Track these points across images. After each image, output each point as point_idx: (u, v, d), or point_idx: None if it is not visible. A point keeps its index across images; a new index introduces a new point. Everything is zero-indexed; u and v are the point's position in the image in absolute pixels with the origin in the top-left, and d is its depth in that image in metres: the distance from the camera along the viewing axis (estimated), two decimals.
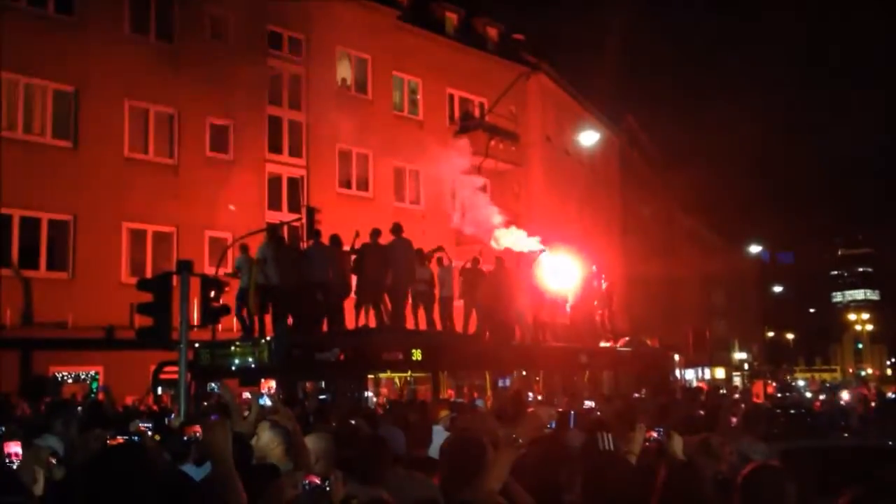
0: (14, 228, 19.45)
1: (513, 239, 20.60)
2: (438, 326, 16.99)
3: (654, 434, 3.75)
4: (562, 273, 20.26)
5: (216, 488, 3.07)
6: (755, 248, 60.20)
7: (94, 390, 18.53)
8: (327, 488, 3.69)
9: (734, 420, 8.41)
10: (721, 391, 23.77)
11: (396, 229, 16.21)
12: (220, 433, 3.10)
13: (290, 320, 15.06)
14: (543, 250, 20.20)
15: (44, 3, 20.45)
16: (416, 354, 14.45)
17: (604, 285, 21.70)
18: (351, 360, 13.62)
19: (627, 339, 22.95)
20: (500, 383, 17.74)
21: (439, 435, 6.46)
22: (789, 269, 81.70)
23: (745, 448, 6.40)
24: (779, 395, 21.56)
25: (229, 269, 18.68)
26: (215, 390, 13.67)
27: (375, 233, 15.95)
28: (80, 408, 12.68)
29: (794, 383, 37.63)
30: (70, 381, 19.51)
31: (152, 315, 10.67)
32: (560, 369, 18.73)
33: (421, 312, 16.84)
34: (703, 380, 42.23)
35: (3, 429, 7.97)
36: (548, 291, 19.39)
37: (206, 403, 11.28)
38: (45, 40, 20.04)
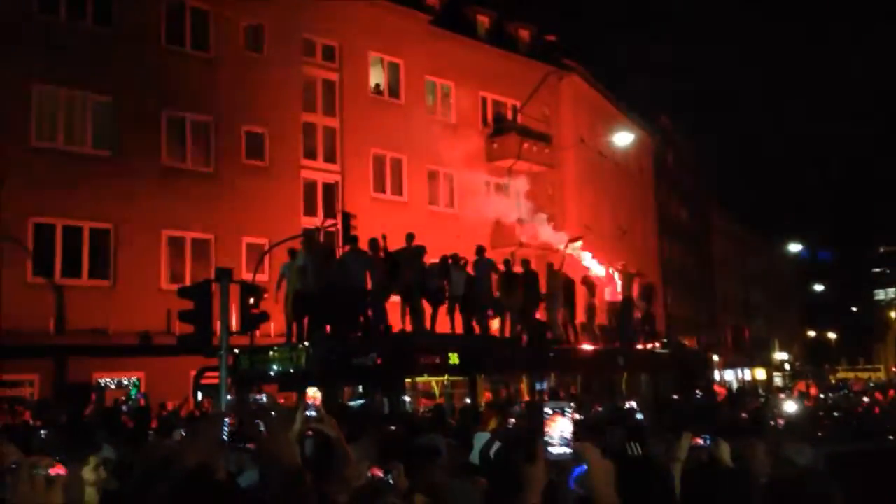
0: (57, 238, 19.79)
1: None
2: (476, 330, 16.99)
3: (701, 441, 3.71)
4: (594, 269, 20.22)
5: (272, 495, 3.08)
6: (794, 247, 59.33)
7: (134, 397, 18.81)
8: (390, 481, 3.79)
9: (780, 422, 8.30)
10: (760, 392, 23.50)
11: (480, 251, 17.22)
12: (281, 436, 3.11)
13: (327, 326, 15.15)
14: (575, 240, 20.20)
15: (83, 16, 20.79)
16: (453, 358, 14.44)
17: (640, 286, 21.54)
18: (388, 365, 13.66)
19: (664, 340, 22.77)
20: (538, 386, 17.69)
21: (480, 440, 6.45)
22: (830, 267, 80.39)
23: (790, 452, 6.30)
24: (821, 395, 21.17)
25: (265, 275, 18.91)
26: (259, 399, 13.82)
27: (410, 237, 15.98)
28: (124, 413, 12.92)
29: (838, 384, 36.97)
30: (112, 387, 19.81)
31: (193, 322, 10.80)
32: (597, 371, 18.64)
33: (457, 316, 16.82)
34: (721, 383, 41.46)
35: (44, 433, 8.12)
36: (586, 288, 19.34)
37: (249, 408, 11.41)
38: (84, 52, 20.38)
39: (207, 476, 2.91)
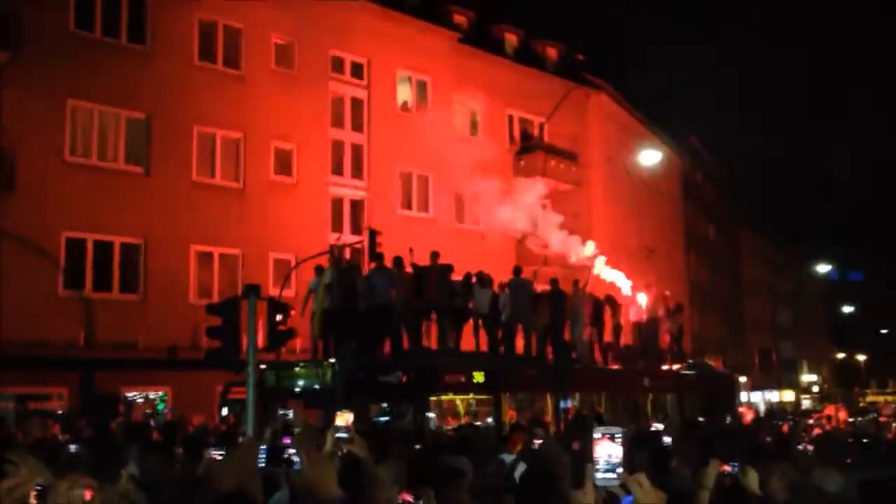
0: (88, 251, 20.06)
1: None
2: (501, 349, 16.96)
3: (728, 468, 3.66)
4: (620, 288, 20.13)
5: None
6: (823, 267, 58.67)
7: (160, 411, 18.96)
8: None
9: (808, 448, 8.20)
10: (787, 415, 23.21)
11: (517, 271, 17.24)
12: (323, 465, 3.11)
13: (353, 343, 15.18)
14: (597, 256, 20.14)
15: (117, 34, 21.15)
16: (478, 377, 14.42)
17: (669, 307, 21.40)
18: (413, 383, 13.66)
19: (690, 360, 22.54)
20: (562, 405, 17.59)
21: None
22: (859, 288, 79.24)
23: (819, 479, 6.23)
24: (850, 419, 20.88)
25: (292, 290, 19.01)
26: (286, 416, 13.89)
27: (434, 255, 16.02)
28: (153, 427, 13.03)
29: (867, 407, 36.42)
30: (140, 400, 19.99)
31: (221, 338, 10.89)
32: (623, 391, 18.50)
33: (482, 334, 16.82)
34: (749, 405, 40.99)
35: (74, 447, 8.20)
36: (611, 308, 19.25)
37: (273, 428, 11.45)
38: (118, 69, 20.73)
39: (244, 501, 2.93)
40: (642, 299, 20.52)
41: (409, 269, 15.82)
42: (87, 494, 2.40)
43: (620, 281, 20.84)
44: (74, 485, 2.30)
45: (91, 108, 20.52)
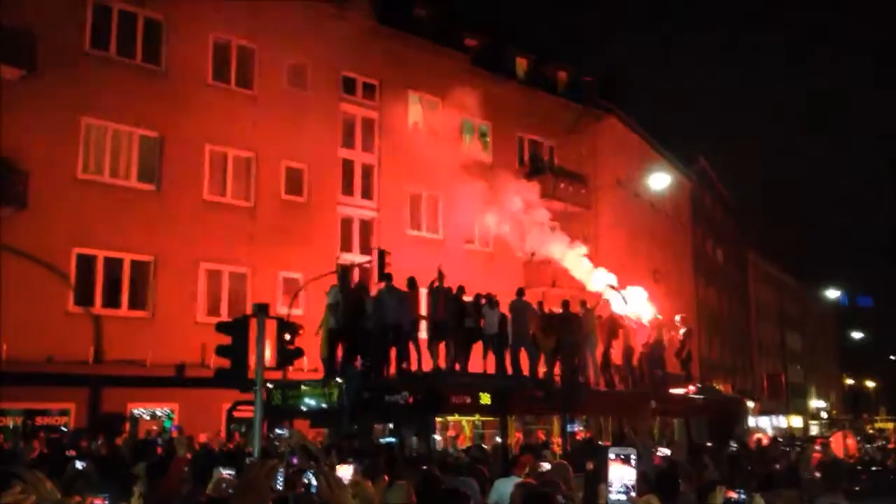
0: (98, 268, 20.17)
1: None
2: (509, 370, 16.95)
3: (735, 495, 3.66)
4: (631, 311, 20.11)
5: None
6: (833, 293, 58.44)
7: (167, 428, 18.96)
8: None
9: (816, 475, 8.17)
10: (796, 443, 23.00)
11: (520, 292, 17.38)
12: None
13: (358, 362, 15.20)
14: (609, 287, 20.15)
15: (132, 54, 21.37)
16: (485, 398, 14.41)
17: (681, 332, 21.36)
18: (420, 403, 13.66)
19: (699, 385, 22.47)
20: (569, 428, 17.55)
21: (504, 486, 6.44)
22: (869, 314, 78.82)
23: None
24: (859, 446, 20.71)
25: (300, 309, 19.03)
26: (282, 434, 13.88)
27: (440, 276, 16.06)
28: (159, 445, 13.05)
29: (876, 434, 36.15)
30: (146, 417, 20.01)
31: (230, 356, 10.91)
32: (630, 415, 18.43)
33: (490, 356, 16.82)
34: (760, 431, 40.78)
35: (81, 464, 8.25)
36: (619, 331, 19.23)
37: (278, 445, 11.47)
38: (132, 88, 20.93)
39: None
40: (651, 323, 20.49)
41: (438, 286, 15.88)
42: None
43: (629, 304, 20.83)
44: (85, 502, 2.32)
45: (104, 126, 20.70)
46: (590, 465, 6.57)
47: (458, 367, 15.86)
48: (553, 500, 3.82)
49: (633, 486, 2.67)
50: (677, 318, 21.67)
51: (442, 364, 15.88)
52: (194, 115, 21.76)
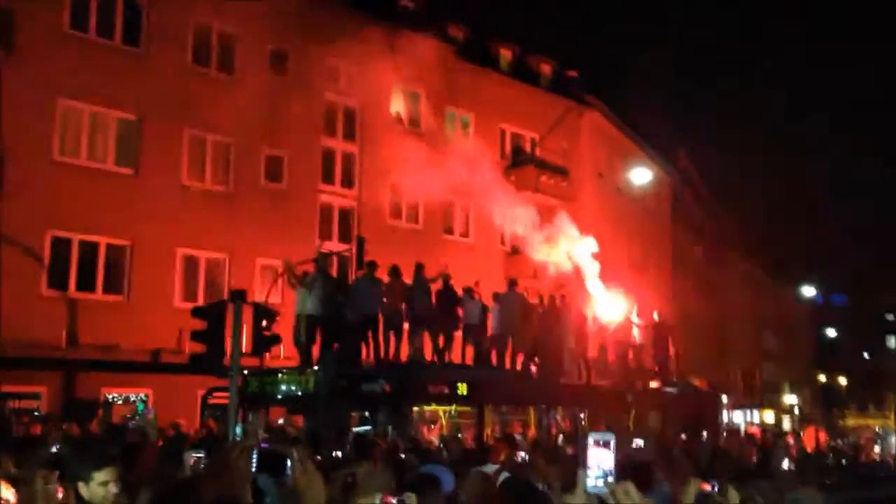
0: (73, 252, 19.95)
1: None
2: (494, 362, 17.00)
3: (708, 487, 3.65)
4: (609, 306, 20.23)
5: None
6: (808, 290, 58.99)
7: (141, 412, 18.83)
8: None
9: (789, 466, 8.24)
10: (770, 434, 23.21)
11: (511, 284, 17.67)
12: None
13: (336, 351, 15.16)
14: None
15: (111, 35, 21.11)
16: (462, 388, 14.44)
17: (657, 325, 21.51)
18: (397, 392, 13.66)
19: (675, 379, 22.63)
20: (545, 420, 17.63)
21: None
22: (843, 312, 79.58)
23: (797, 498, 6.26)
24: (832, 443, 20.99)
25: (278, 297, 18.94)
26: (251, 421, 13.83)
27: (419, 267, 16.05)
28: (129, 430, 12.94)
29: (847, 430, 36.65)
30: (120, 402, 19.84)
31: (205, 342, 10.85)
32: (606, 408, 18.54)
33: (469, 347, 16.84)
34: (753, 424, 41.30)
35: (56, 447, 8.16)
36: (596, 326, 19.34)
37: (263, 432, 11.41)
38: (111, 70, 20.69)
39: None
40: (629, 317, 20.61)
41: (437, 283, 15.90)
42: (60, 491, 2.38)
43: (609, 299, 20.94)
44: (49, 479, 2.28)
45: (82, 108, 20.45)
46: (570, 450, 6.59)
47: (435, 357, 15.87)
48: (533, 487, 3.79)
49: (610, 472, 2.68)
50: (655, 313, 21.80)
51: (428, 355, 15.89)
52: (174, 98, 21.52)
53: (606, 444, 2.73)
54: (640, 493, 2.58)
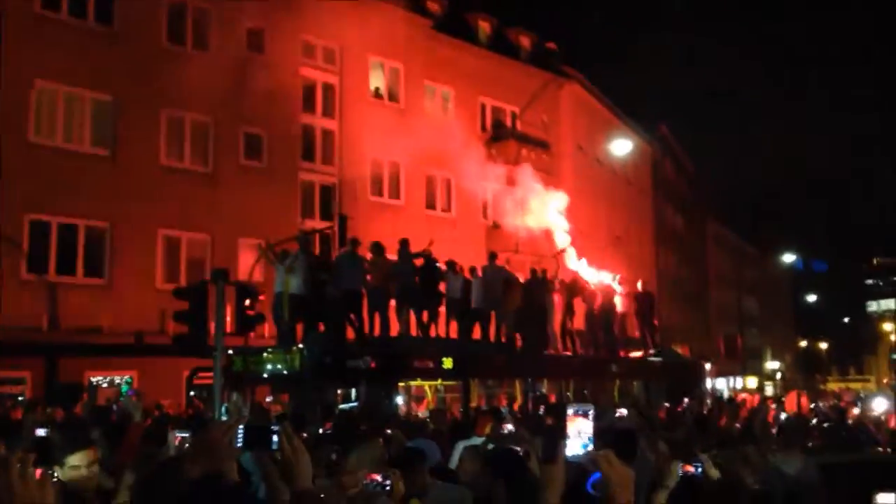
0: (52, 235, 19.77)
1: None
2: (477, 335, 17.07)
3: (692, 469, 3.67)
4: (601, 276, 20.36)
5: None
6: (788, 257, 59.50)
7: (125, 394, 18.78)
8: (387, 486, 3.81)
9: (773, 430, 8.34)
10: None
11: (492, 257, 17.65)
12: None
13: (320, 328, 15.16)
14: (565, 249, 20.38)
15: (84, 15, 20.80)
16: (447, 363, 14.50)
17: (640, 294, 21.63)
18: (382, 368, 13.70)
19: (658, 348, 22.83)
20: (531, 392, 17.75)
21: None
22: (823, 278, 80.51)
23: (779, 462, 6.34)
24: (812, 406, 21.25)
25: (261, 276, 18.87)
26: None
27: (404, 243, 16.03)
28: (113, 412, 12.92)
29: (828, 393, 37.13)
30: (105, 385, 19.77)
31: (188, 323, 10.81)
32: (591, 378, 18.70)
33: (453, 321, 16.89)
34: (737, 390, 41.75)
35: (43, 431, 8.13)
36: (587, 296, 19.45)
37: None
38: (85, 50, 20.40)
39: (216, 483, 2.89)
40: (611, 288, 20.70)
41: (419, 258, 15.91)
42: (38, 473, 2.36)
43: (588, 269, 21.03)
44: (26, 461, 2.26)
45: (56, 89, 20.18)
46: (549, 421, 6.64)
47: (419, 332, 15.90)
48: (517, 455, 3.80)
49: (590, 441, 2.71)
50: (639, 283, 21.91)
51: (413, 331, 15.92)
52: (149, 78, 21.23)
53: (585, 414, 2.77)
54: (620, 461, 2.60)
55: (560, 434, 2.75)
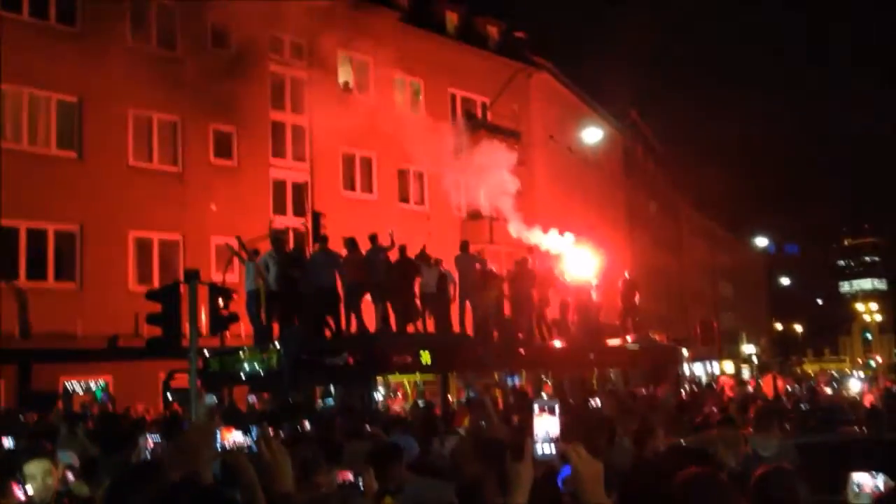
0: (21, 240, 19.49)
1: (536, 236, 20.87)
2: (455, 328, 17.05)
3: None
4: (580, 266, 20.40)
5: None
6: (761, 241, 60.09)
7: (99, 399, 18.59)
8: (360, 485, 3.78)
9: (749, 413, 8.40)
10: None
11: (464, 246, 17.51)
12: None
13: (296, 326, 15.07)
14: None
15: (45, 15, 20.49)
16: (425, 357, 14.47)
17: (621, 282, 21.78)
18: (360, 364, 13.65)
19: (635, 335, 22.94)
20: (509, 382, 17.78)
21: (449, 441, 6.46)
22: (796, 261, 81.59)
23: (757, 444, 6.38)
24: (788, 388, 21.50)
25: (235, 275, 18.72)
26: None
27: (373, 238, 15.98)
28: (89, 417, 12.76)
29: (805, 375, 37.65)
30: (80, 391, 19.55)
31: (161, 324, 10.68)
32: (569, 367, 18.75)
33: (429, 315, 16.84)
34: (716, 375, 42.14)
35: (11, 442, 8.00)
36: (564, 286, 19.51)
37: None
38: (48, 51, 20.08)
39: (194, 485, 2.85)
40: (588, 278, 20.76)
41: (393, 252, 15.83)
42: (15, 486, 2.31)
43: (567, 259, 21.06)
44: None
45: (20, 91, 19.87)
46: (516, 419, 6.65)
47: (395, 326, 15.85)
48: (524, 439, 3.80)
49: (557, 437, 2.68)
50: (626, 272, 22.17)
51: (393, 326, 15.86)
52: (114, 77, 20.94)
53: (552, 410, 2.74)
54: (590, 455, 2.58)
55: (527, 431, 2.73)
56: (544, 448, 2.68)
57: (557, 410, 2.73)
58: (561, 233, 21.89)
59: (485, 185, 23.32)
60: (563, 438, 2.70)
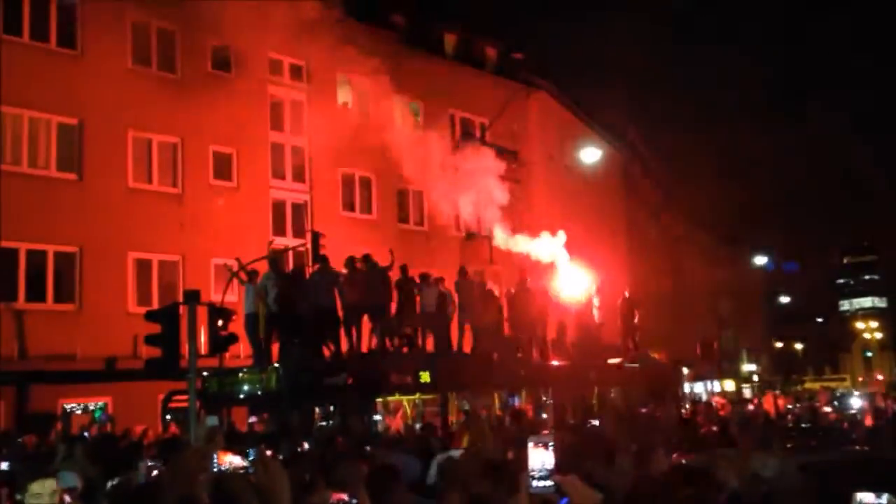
0: (21, 262, 19.49)
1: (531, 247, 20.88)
2: (455, 348, 17.04)
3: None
4: (577, 285, 20.41)
5: None
6: (760, 259, 60.08)
7: (97, 420, 18.54)
8: None
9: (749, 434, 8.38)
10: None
11: (462, 271, 17.56)
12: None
13: (296, 346, 15.05)
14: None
15: (46, 37, 20.60)
16: (424, 377, 14.45)
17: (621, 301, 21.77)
18: (359, 384, 13.62)
19: (635, 354, 22.93)
20: (510, 402, 17.73)
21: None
22: (795, 279, 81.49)
23: (757, 464, 6.37)
24: (789, 406, 21.45)
25: (234, 296, 18.72)
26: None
27: (367, 258, 16.02)
28: (87, 438, 12.70)
29: (806, 394, 37.52)
30: (79, 412, 19.49)
31: (161, 346, 10.68)
32: (569, 387, 18.70)
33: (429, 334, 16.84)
34: (714, 394, 42.04)
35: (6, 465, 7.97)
36: (562, 305, 19.52)
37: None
38: (48, 74, 20.19)
39: None
40: (587, 297, 20.78)
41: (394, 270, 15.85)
42: None
43: (565, 278, 21.09)
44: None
45: (20, 114, 19.95)
46: (510, 454, 6.62)
47: (392, 346, 15.84)
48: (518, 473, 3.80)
49: (553, 470, 2.69)
50: (626, 292, 22.16)
51: (389, 346, 15.85)
52: (115, 100, 21.08)
53: (546, 445, 2.76)
54: (585, 485, 2.59)
55: (521, 466, 2.74)
56: (541, 483, 2.69)
57: (551, 445, 2.75)
58: (553, 234, 21.89)
59: (474, 193, 23.35)
60: (562, 461, 2.70)
